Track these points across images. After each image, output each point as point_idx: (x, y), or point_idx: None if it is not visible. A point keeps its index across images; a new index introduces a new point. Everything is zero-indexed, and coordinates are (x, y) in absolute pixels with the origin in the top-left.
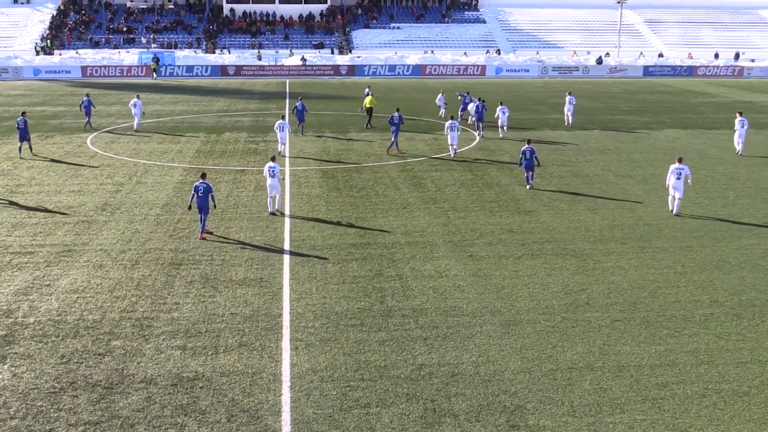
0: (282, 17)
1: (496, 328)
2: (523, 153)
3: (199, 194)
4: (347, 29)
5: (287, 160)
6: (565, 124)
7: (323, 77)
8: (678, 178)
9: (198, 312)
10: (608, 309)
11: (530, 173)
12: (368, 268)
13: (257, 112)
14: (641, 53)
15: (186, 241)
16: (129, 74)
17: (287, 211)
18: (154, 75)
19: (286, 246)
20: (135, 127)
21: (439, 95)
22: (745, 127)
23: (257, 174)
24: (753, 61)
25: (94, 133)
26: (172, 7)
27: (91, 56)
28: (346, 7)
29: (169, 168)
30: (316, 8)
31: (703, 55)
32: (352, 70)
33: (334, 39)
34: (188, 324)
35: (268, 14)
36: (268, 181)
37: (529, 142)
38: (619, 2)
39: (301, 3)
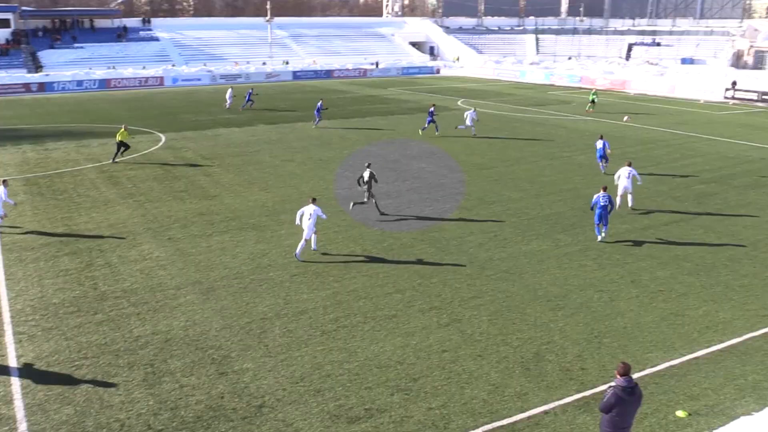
0: None
1: (198, 296)
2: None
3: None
4: (34, 51)
5: None
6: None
7: (15, 95)
8: (627, 177)
9: None
10: (286, 267)
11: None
12: (78, 261)
13: None
14: (286, 61)
15: None
16: None
17: None
18: None
19: None
20: None
21: (470, 111)
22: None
23: None
24: (373, 64)
25: None
26: None
27: None
28: (30, 30)
29: None
30: (1, 33)
31: (337, 61)
32: (43, 86)
33: (22, 60)
34: None
35: None
36: None
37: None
38: (267, 21)
39: None
